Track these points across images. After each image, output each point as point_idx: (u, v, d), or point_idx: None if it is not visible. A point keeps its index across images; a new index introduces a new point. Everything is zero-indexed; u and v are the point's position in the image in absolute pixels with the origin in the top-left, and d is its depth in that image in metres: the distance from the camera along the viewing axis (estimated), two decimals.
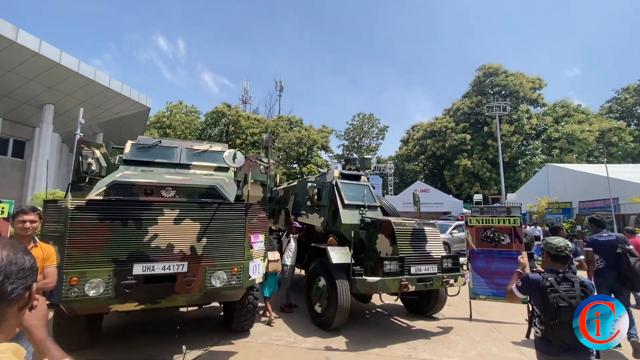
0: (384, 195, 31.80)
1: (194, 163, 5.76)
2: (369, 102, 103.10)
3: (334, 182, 6.16)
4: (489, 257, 6.10)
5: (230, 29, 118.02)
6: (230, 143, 43.13)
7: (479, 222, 6.27)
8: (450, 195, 31.21)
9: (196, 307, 6.19)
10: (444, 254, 5.31)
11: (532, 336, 2.57)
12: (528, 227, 16.80)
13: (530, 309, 2.39)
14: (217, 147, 6.28)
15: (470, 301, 6.13)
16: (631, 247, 4.49)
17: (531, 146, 35.34)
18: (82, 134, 13.33)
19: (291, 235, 6.44)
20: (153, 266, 3.51)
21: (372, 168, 37.66)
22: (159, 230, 3.59)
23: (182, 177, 4.71)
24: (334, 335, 5.01)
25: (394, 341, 4.79)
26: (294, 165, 42.43)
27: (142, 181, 4.02)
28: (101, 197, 3.66)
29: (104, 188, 3.81)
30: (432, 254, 5.13)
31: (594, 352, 2.30)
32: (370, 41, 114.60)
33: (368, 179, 7.67)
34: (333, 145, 52.94)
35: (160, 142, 5.95)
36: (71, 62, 17.13)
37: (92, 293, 3.24)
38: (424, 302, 6.00)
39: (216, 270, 3.74)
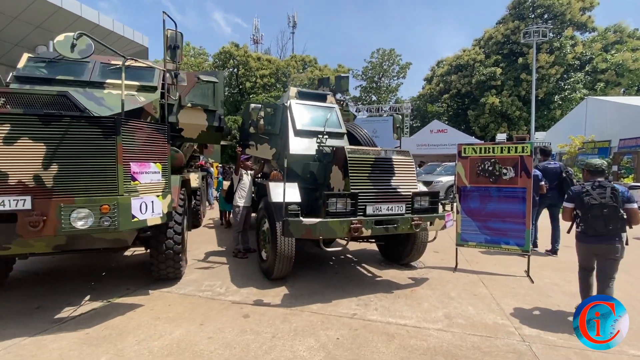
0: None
1: (109, 81, 4.60)
2: (394, 40, 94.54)
3: (287, 104, 4.85)
4: (484, 196, 4.81)
5: None
6: (240, 87, 41.31)
7: (475, 152, 4.88)
8: (473, 137, 28.74)
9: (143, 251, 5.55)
10: (418, 190, 4.09)
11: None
12: None
13: (574, 213, 3.21)
14: (143, 63, 5.02)
15: (456, 248, 5.03)
16: (571, 171, 5.78)
17: (572, 79, 31.01)
18: None
19: (243, 172, 5.38)
20: None
21: (389, 109, 35.14)
22: None
23: None
24: (276, 285, 4.15)
25: (346, 295, 3.87)
26: None
27: None
28: None
29: None
30: (399, 191, 3.92)
31: (624, 238, 2.98)
32: None
33: (345, 103, 6.26)
34: (350, 86, 49.61)
35: None
36: None
37: None
38: (399, 249, 4.97)
39: (76, 208, 2.78)
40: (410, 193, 3.92)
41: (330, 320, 3.22)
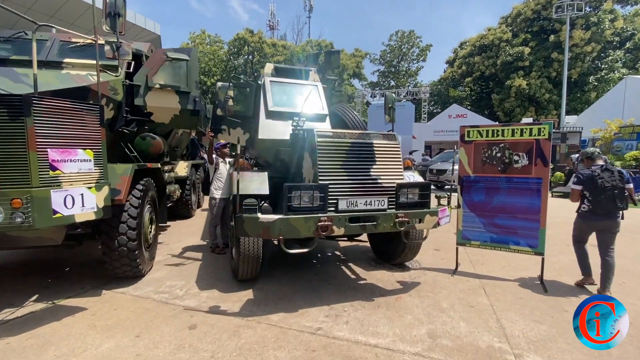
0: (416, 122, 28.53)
1: (67, 60, 4.21)
2: (416, 22, 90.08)
3: (262, 81, 4.28)
4: (491, 188, 4.10)
5: None
6: (255, 74, 40.88)
7: (481, 135, 4.14)
8: (497, 123, 27.01)
9: None
10: (405, 180, 3.45)
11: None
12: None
13: (582, 194, 3.58)
14: (78, 35, 4.54)
15: (457, 248, 4.36)
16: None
17: (610, 58, 28.33)
18: None
19: (220, 160, 4.90)
20: None
21: (406, 94, 33.71)
22: None
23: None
24: (243, 288, 3.69)
25: (317, 302, 3.34)
26: None
27: None
28: None
29: None
30: (380, 181, 3.30)
31: (621, 215, 3.46)
32: None
33: (337, 83, 5.60)
34: (367, 71, 48.08)
35: (24, 33, 4.40)
36: None
37: None
38: (390, 247, 4.37)
39: None
40: (395, 184, 3.29)
41: (287, 337, 2.71)
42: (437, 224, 3.46)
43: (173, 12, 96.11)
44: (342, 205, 3.13)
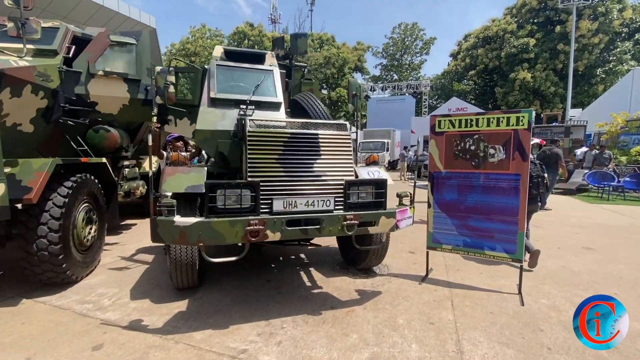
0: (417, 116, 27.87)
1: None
2: (422, 16, 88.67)
3: (209, 66, 3.84)
4: (464, 185, 3.63)
5: None
6: None
7: (453, 126, 3.66)
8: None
9: None
10: (355, 177, 3.00)
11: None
12: (595, 150, 12.94)
13: None
14: (46, 23, 4.18)
15: (427, 252, 3.91)
16: None
17: (618, 49, 27.32)
18: None
19: (171, 154, 4.48)
20: None
21: (406, 87, 33.06)
22: None
23: None
24: (179, 297, 3.28)
25: (255, 316, 2.93)
26: (323, 91, 38.78)
27: None
28: None
29: None
30: (325, 178, 2.85)
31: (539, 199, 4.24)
32: None
33: (307, 70, 5.14)
34: (370, 65, 47.31)
35: None
36: None
37: None
38: (354, 250, 3.93)
39: None
40: (343, 182, 2.84)
41: None
42: (396, 227, 3.02)
43: (176, 6, 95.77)
44: (278, 206, 2.69)
